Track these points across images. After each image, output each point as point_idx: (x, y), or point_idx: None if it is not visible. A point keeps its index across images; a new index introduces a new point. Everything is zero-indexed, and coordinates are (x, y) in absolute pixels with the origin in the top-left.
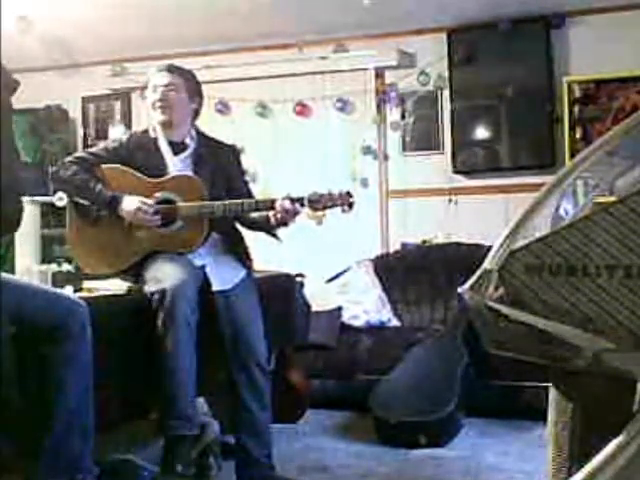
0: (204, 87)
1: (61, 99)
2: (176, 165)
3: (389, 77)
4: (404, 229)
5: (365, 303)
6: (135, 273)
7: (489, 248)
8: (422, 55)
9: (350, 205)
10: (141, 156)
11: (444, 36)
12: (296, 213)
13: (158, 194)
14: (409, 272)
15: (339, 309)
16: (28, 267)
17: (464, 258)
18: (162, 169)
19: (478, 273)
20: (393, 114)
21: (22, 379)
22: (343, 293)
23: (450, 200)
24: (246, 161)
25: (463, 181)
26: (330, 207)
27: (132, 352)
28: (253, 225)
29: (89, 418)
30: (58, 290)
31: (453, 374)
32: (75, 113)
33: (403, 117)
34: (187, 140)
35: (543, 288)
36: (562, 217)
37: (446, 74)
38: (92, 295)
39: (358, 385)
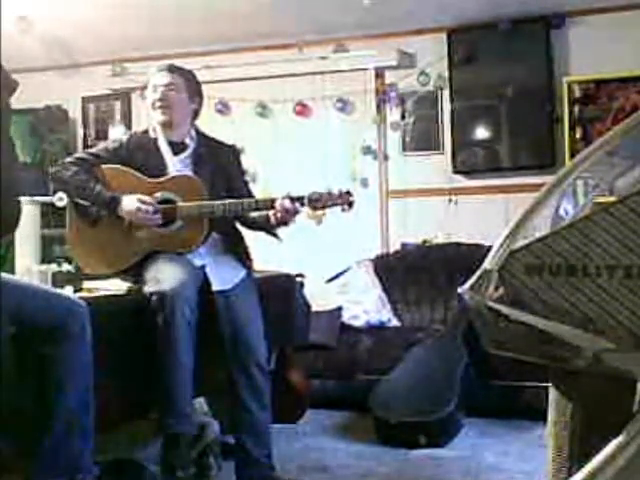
0: (204, 87)
1: (61, 99)
2: (176, 165)
3: (389, 77)
4: (404, 229)
5: (365, 303)
6: (135, 273)
7: (489, 248)
8: (422, 55)
9: (350, 204)
10: (141, 156)
11: (444, 36)
12: (296, 212)
13: (158, 194)
14: (409, 272)
15: (339, 309)
16: (28, 267)
17: (464, 258)
18: (162, 169)
19: (478, 273)
20: (393, 114)
21: (22, 379)
22: (343, 293)
23: (450, 200)
24: (246, 161)
25: (463, 181)
26: (330, 206)
27: (132, 352)
28: (253, 225)
29: (89, 418)
30: (58, 290)
31: (453, 374)
32: (75, 113)
33: (403, 117)
34: (187, 140)
35: (543, 288)
36: (562, 217)
37: (446, 74)
38: (92, 295)
39: (358, 385)
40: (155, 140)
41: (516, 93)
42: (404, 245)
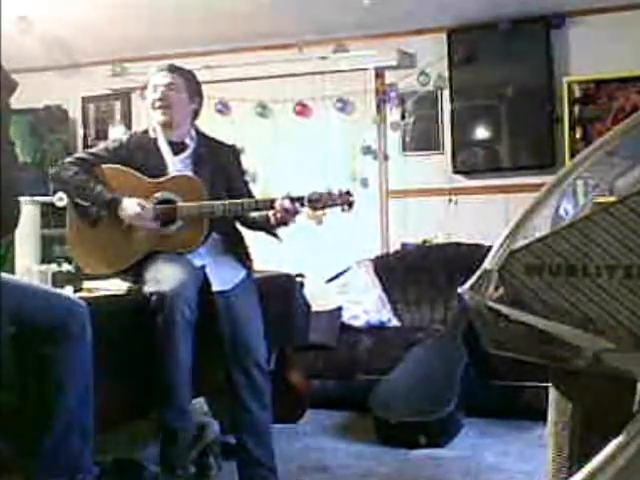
0: (204, 87)
1: (61, 99)
2: (176, 165)
3: (389, 77)
4: (404, 229)
5: (365, 303)
6: (135, 273)
7: (489, 248)
8: (422, 55)
9: (350, 204)
10: (141, 156)
11: (444, 36)
12: (296, 212)
13: (158, 194)
14: (409, 272)
15: (339, 309)
16: (28, 267)
17: (464, 258)
18: (162, 169)
19: (478, 273)
20: (393, 114)
21: (22, 379)
22: (343, 293)
23: (450, 200)
24: (246, 161)
25: (463, 181)
26: (330, 206)
27: (132, 352)
28: (253, 225)
29: (89, 418)
30: (58, 290)
31: (453, 374)
32: (75, 113)
33: (403, 117)
34: (187, 140)
35: (543, 288)
36: (562, 217)
37: (446, 74)
38: (92, 295)
39: (358, 385)
40: (155, 140)
41: (516, 93)
42: (404, 245)
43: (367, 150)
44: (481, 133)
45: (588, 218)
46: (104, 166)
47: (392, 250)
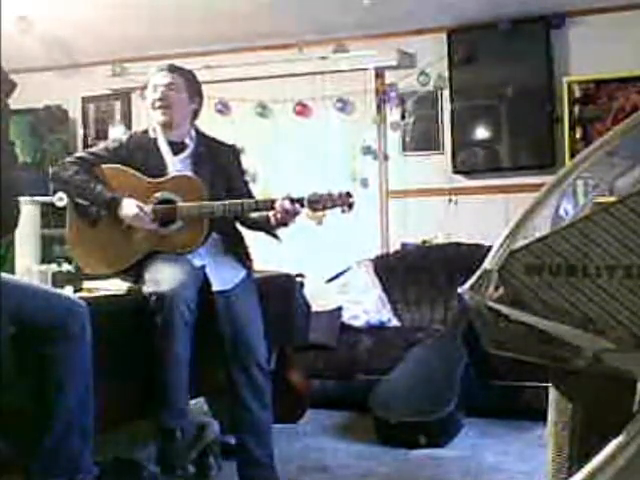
0: (204, 87)
1: (61, 99)
2: (176, 165)
3: (389, 77)
4: (404, 229)
5: (365, 303)
6: (135, 273)
7: (489, 248)
8: (422, 55)
9: (350, 205)
10: (141, 156)
11: (444, 36)
12: (296, 213)
13: (158, 194)
14: (409, 272)
15: (339, 309)
16: (28, 267)
17: (464, 258)
18: (162, 169)
19: (478, 273)
20: (393, 114)
21: (22, 379)
22: (343, 293)
23: (450, 200)
24: (246, 161)
25: (463, 181)
26: (330, 207)
27: (132, 352)
28: (253, 225)
29: (89, 418)
30: (58, 290)
31: (453, 374)
32: (75, 113)
33: (403, 117)
34: (187, 140)
35: (543, 288)
36: (562, 217)
37: (446, 74)
38: (92, 295)
39: (358, 385)
40: (155, 140)
41: (516, 93)
42: (404, 245)
43: (367, 150)
44: (481, 133)
45: (588, 218)
46: (104, 166)
47: (392, 250)
